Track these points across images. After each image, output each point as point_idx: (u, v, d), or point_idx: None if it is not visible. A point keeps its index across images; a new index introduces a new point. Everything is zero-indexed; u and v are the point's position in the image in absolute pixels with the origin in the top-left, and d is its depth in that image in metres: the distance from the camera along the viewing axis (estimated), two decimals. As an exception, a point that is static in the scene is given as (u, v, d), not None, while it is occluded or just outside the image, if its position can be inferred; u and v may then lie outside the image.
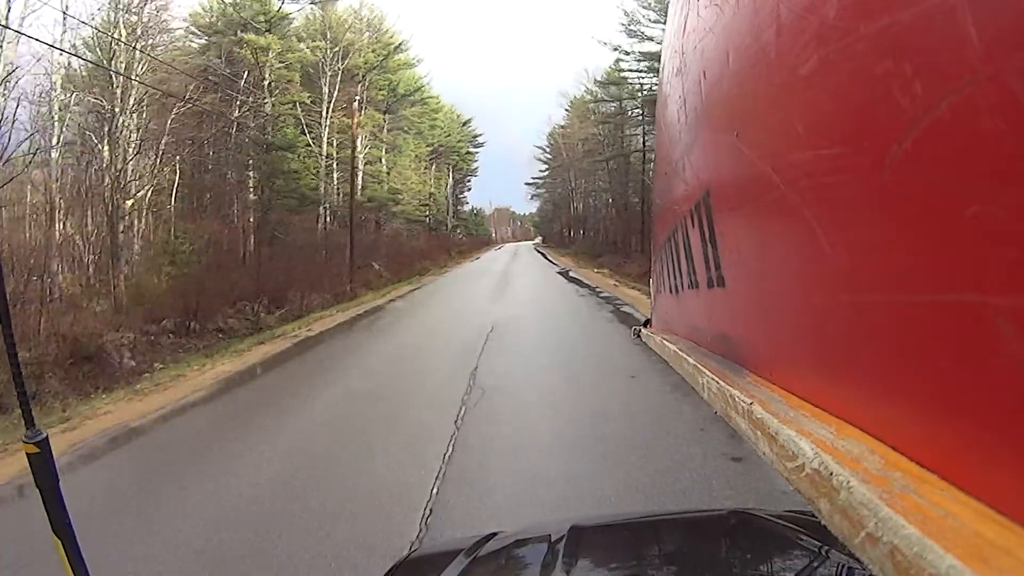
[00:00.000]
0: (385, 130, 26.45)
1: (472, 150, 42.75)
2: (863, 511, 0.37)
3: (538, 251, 42.55)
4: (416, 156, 30.59)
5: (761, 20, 0.57)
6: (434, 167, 35.52)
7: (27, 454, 0.78)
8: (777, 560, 1.00)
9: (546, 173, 43.97)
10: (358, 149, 21.81)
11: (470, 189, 45.18)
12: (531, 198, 50.01)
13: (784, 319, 0.65)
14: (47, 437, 0.80)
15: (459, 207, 44.00)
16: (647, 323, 1.99)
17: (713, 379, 0.80)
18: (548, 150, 41.19)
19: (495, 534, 1.16)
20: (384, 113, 26.04)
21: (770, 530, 1.09)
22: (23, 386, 0.81)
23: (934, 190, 0.35)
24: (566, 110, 34.03)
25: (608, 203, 28.35)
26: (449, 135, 37.55)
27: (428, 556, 1.22)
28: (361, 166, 22.84)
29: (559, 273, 21.45)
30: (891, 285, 0.40)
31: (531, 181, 47.58)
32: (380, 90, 25.36)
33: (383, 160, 26.42)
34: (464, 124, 41.08)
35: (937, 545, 0.31)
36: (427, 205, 32.89)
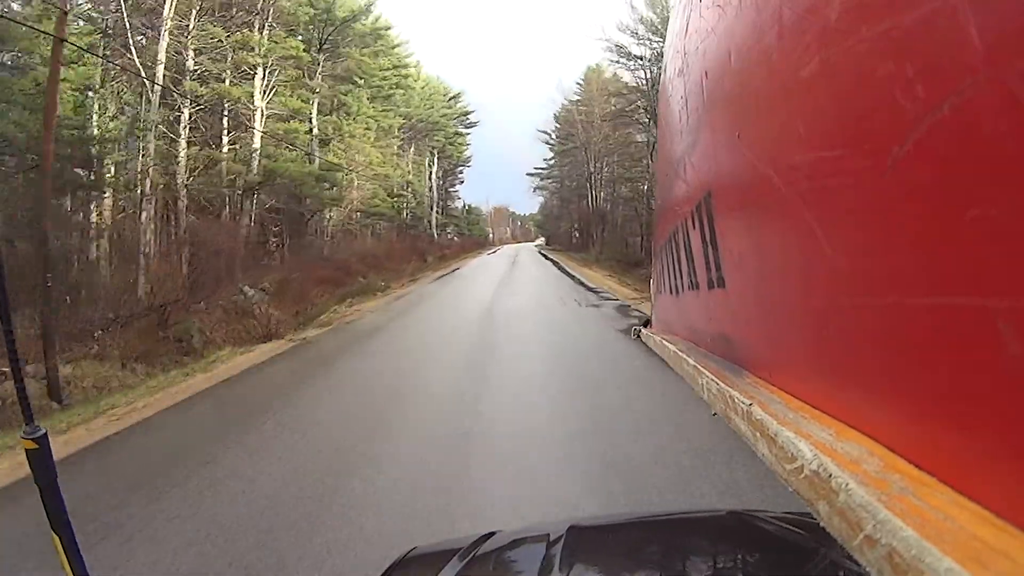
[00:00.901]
0: (319, 76, 16.56)
1: (463, 131, 34.76)
2: (862, 513, 0.37)
3: (544, 256, 31.43)
4: (380, 127, 21.55)
5: (763, 22, 0.57)
6: (413, 149, 27.56)
7: (26, 450, 0.78)
8: (775, 561, 1.00)
9: (552, 161, 35.37)
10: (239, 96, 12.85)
11: (462, 182, 38.74)
12: (534, 191, 41.43)
13: (784, 321, 0.65)
14: (46, 433, 0.80)
15: (448, 202, 36.65)
16: (647, 323, 1.99)
17: (713, 380, 0.80)
18: (555, 134, 32.52)
19: (493, 533, 1.16)
20: (320, 51, 16.30)
21: (769, 531, 1.09)
22: (22, 383, 0.81)
23: (936, 192, 0.35)
24: (579, 83, 28.38)
25: (644, 191, 19.43)
26: (432, 107, 29.52)
27: (425, 556, 1.22)
28: (259, 124, 13.68)
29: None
30: (892, 287, 0.40)
31: (534, 172, 39.16)
32: (306, 4, 15.25)
33: (313, 120, 16.25)
34: (451, 98, 32.91)
35: (935, 548, 0.31)
36: (401, 195, 24.67)
